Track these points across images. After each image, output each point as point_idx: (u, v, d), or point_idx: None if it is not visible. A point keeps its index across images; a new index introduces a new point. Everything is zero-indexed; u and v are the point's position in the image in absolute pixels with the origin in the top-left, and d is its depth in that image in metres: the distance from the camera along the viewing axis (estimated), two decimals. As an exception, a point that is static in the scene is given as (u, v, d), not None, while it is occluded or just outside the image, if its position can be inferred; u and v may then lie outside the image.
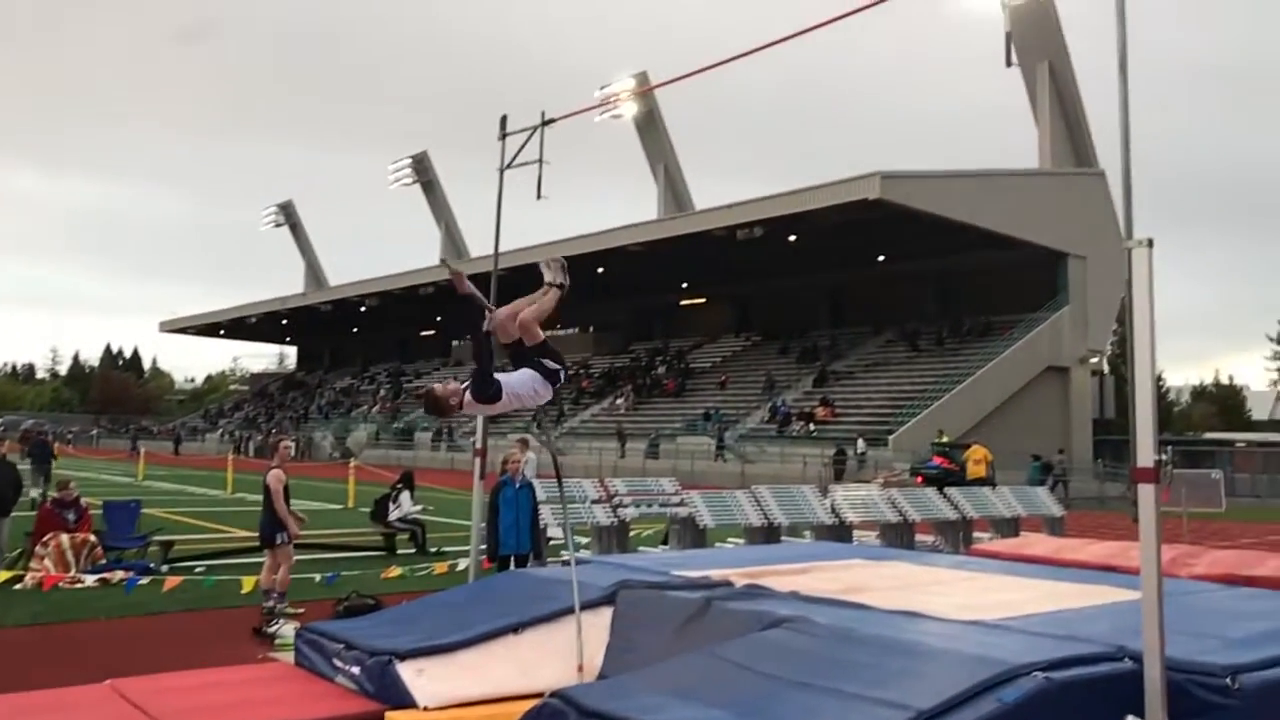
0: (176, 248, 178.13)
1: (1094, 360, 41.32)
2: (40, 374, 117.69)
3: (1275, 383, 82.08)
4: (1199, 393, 77.82)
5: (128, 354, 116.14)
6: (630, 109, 43.20)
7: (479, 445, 10.26)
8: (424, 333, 66.83)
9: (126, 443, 57.66)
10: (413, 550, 14.00)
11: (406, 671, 5.56)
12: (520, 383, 5.51)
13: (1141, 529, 4.23)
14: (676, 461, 35.18)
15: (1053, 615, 5.65)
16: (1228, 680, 4.33)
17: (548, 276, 5.74)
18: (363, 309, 56.80)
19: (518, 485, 9.44)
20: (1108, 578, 7.51)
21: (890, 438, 32.15)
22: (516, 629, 6.10)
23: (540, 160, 10.22)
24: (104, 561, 11.37)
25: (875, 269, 42.99)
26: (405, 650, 5.70)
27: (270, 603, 8.67)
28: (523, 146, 10.41)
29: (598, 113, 26.59)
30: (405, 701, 5.45)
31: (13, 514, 11.70)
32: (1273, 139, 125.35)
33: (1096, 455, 38.05)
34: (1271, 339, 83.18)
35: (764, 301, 48.82)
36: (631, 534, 13.06)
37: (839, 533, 13.20)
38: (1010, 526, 14.99)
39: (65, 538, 11.23)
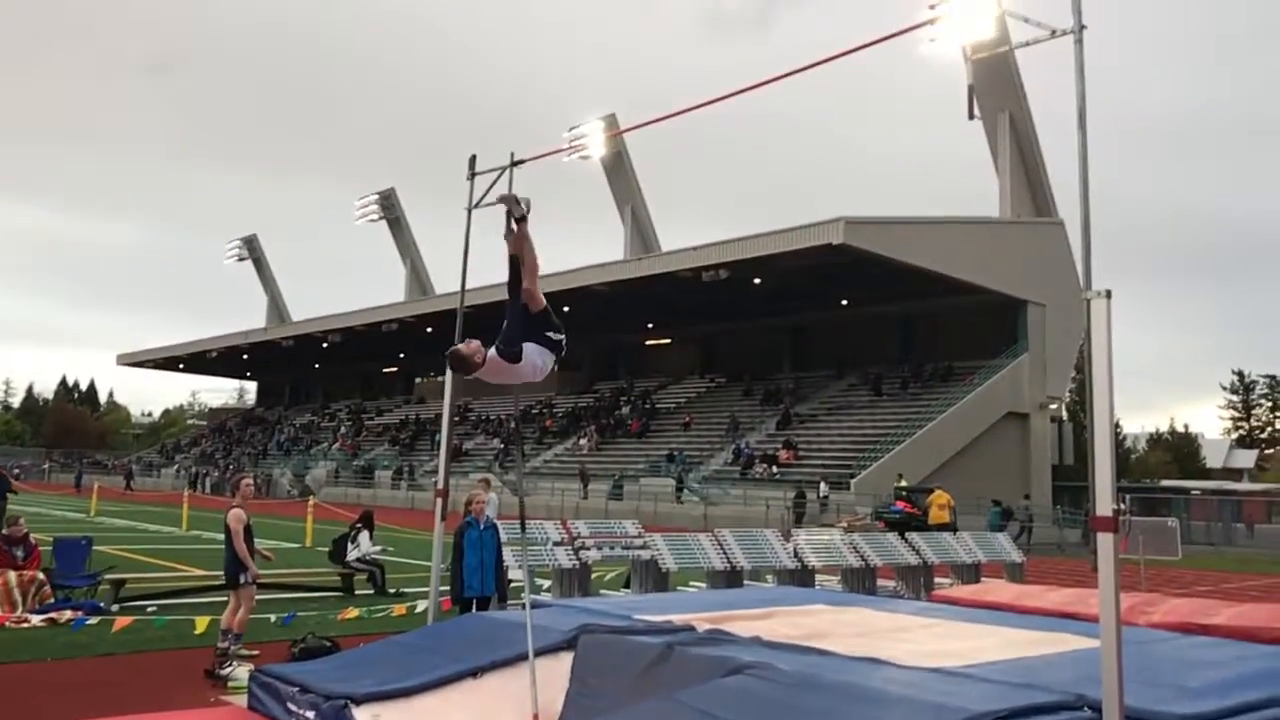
0: (137, 280, 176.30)
1: (1053, 406, 41.84)
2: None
3: (1228, 431, 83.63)
4: (1155, 440, 79.15)
5: (84, 387, 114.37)
6: (598, 150, 43.47)
7: (440, 485, 10.18)
8: (386, 369, 66.44)
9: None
10: (371, 591, 13.81)
11: (363, 716, 5.47)
12: (531, 354, 5.46)
13: (1101, 578, 4.27)
14: (640, 503, 35.07)
15: (1013, 663, 5.66)
16: (1185, 730, 4.35)
17: (514, 216, 5.58)
18: (325, 344, 56.38)
19: (482, 526, 9.35)
20: (1067, 625, 7.54)
21: (853, 481, 32.25)
22: (475, 673, 6.02)
23: (509, 200, 10.24)
24: (52, 601, 11.09)
25: (839, 312, 43.45)
26: (362, 694, 5.61)
27: (225, 643, 8.49)
28: (491, 186, 10.47)
29: (566, 154, 26.72)
30: (361, 748, 5.35)
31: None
32: (1224, 191, 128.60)
33: (1055, 501, 38.41)
34: (1225, 388, 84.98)
35: (729, 343, 49.10)
36: (594, 576, 12.97)
37: (801, 577, 13.20)
38: (971, 572, 15.06)
39: (13, 575, 10.96)
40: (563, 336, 5.66)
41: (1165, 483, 52.48)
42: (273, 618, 10.46)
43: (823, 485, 32.27)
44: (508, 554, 10.45)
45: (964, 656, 5.78)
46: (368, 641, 7.62)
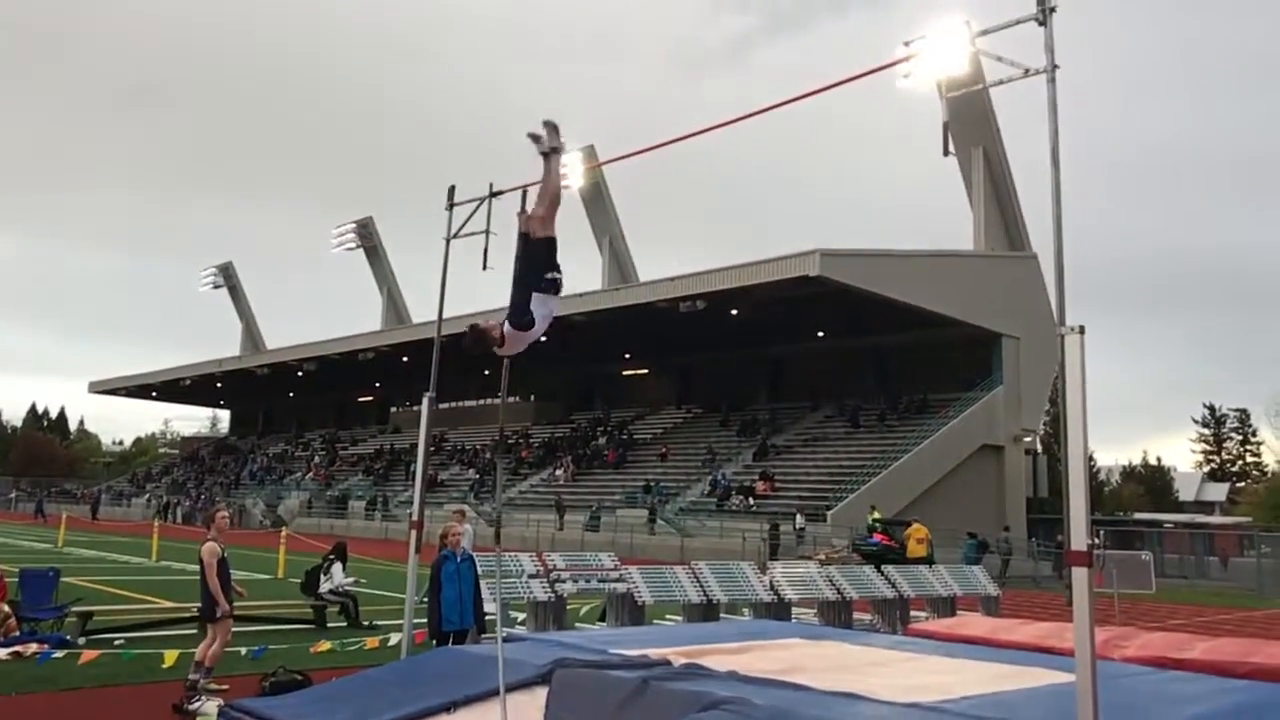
0: (110, 307, 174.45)
1: (1028, 440, 42.11)
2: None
3: (1200, 464, 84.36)
4: (1128, 473, 79.66)
5: (54, 414, 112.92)
6: (577, 181, 43.52)
7: (415, 516, 10.10)
8: (361, 398, 66.06)
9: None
10: (344, 624, 13.65)
11: (334, 753, 5.39)
12: (537, 310, 5.48)
13: (1075, 613, 4.28)
14: (616, 534, 34.91)
15: (989, 698, 5.65)
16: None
17: (541, 147, 5.73)
18: (300, 373, 56.00)
19: (459, 559, 9.27)
20: (1043, 659, 7.56)
21: (829, 513, 32.27)
22: (449, 709, 5.96)
23: (487, 231, 10.29)
24: (18, 633, 10.90)
25: (815, 344, 43.66)
26: (333, 731, 5.53)
27: (195, 676, 8.36)
28: (470, 216, 10.48)
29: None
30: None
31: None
32: (1196, 224, 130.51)
33: (1030, 534, 38.55)
34: (1197, 421, 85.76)
35: (706, 374, 49.14)
36: (569, 609, 12.88)
37: (778, 610, 13.16)
38: (947, 605, 15.06)
39: (-23, 607, 10.78)
40: (560, 275, 5.63)
41: (1139, 515, 52.76)
42: (243, 650, 10.31)
43: (799, 517, 32.25)
44: (482, 586, 10.37)
45: (940, 691, 5.77)
46: (340, 675, 7.52)
